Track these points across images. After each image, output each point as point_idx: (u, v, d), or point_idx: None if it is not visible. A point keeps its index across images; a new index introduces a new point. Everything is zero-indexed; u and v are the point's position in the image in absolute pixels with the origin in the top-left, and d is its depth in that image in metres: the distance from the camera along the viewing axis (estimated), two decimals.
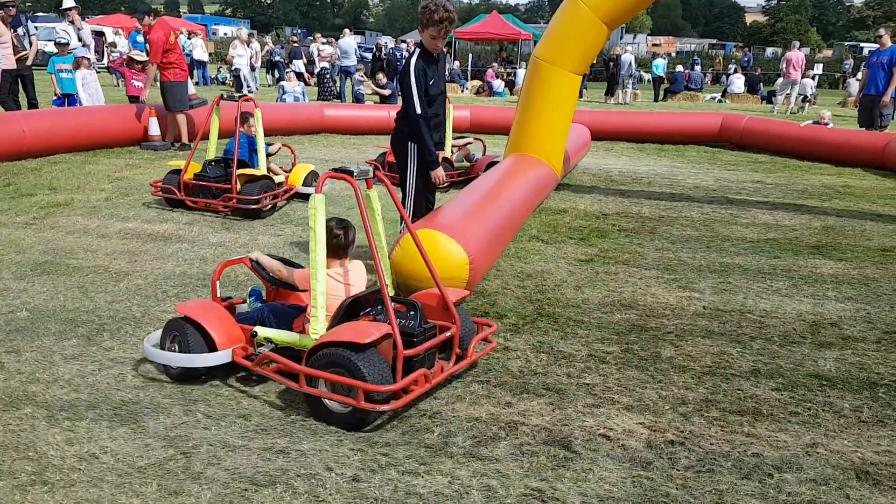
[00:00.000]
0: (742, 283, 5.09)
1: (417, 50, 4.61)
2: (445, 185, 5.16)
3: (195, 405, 3.12)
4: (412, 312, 3.28)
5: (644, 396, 3.37)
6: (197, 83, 24.37)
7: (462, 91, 25.56)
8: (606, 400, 3.33)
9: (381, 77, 16.69)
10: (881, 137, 10.71)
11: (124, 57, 12.53)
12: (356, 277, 3.46)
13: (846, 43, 57.14)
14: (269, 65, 25.08)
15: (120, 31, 31.37)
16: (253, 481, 2.57)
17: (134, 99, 11.42)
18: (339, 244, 3.36)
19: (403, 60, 4.92)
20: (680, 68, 27.84)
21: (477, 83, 26.85)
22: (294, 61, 23.49)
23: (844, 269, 5.48)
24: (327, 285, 3.19)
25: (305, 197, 7.09)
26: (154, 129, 10.16)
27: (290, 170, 7.47)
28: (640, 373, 3.62)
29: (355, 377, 2.86)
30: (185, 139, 10.19)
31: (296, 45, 25.30)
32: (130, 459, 2.70)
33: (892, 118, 11.40)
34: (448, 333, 3.35)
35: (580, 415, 3.18)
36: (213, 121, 7.01)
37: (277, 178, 7.12)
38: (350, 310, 3.24)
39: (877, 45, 11.07)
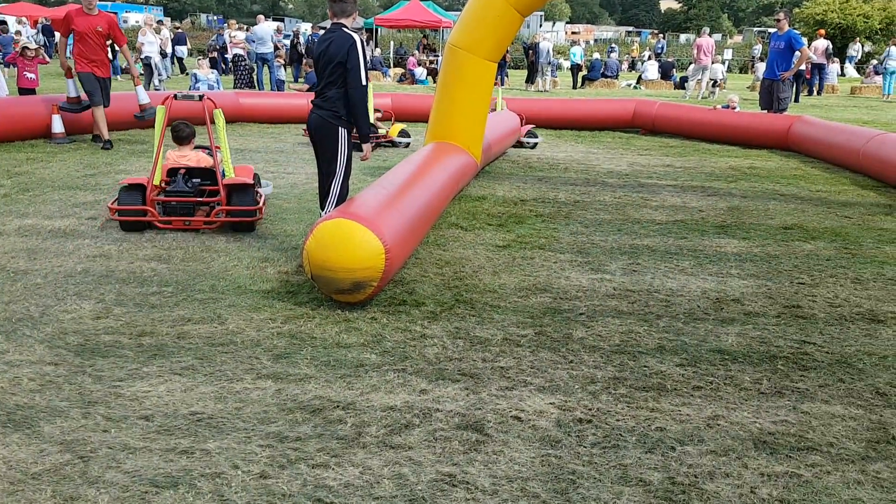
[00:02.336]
0: (650, 263, 5.24)
1: (355, 32, 4.83)
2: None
3: (94, 407, 3.00)
4: (192, 181, 5.87)
5: (555, 377, 3.43)
6: None
7: (384, 79, 25.39)
8: (520, 382, 3.37)
9: (306, 66, 16.41)
10: (785, 120, 11.19)
11: (17, 49, 11.91)
12: (189, 159, 6.05)
13: (755, 28, 59.38)
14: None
15: (24, 19, 29.81)
16: (154, 483, 2.49)
17: (26, 91, 10.86)
18: (178, 136, 6.17)
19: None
20: (597, 56, 28.39)
21: (399, 71, 26.71)
22: (177, 47, 22.86)
23: (748, 248, 5.71)
24: (168, 160, 6.01)
25: (396, 144, 10.60)
26: (58, 126, 9.67)
27: (390, 128, 10.76)
28: (553, 354, 3.69)
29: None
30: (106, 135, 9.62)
31: (179, 30, 24.60)
32: (24, 466, 2.57)
33: (790, 101, 11.98)
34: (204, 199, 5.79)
35: (494, 398, 3.21)
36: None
37: (381, 130, 10.55)
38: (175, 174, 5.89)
39: (775, 30, 11.54)
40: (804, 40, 11.42)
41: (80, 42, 9.09)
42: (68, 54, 9.93)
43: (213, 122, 6.03)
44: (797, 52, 11.02)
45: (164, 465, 2.60)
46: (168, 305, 4.17)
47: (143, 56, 17.20)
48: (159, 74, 16.59)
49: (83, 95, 9.46)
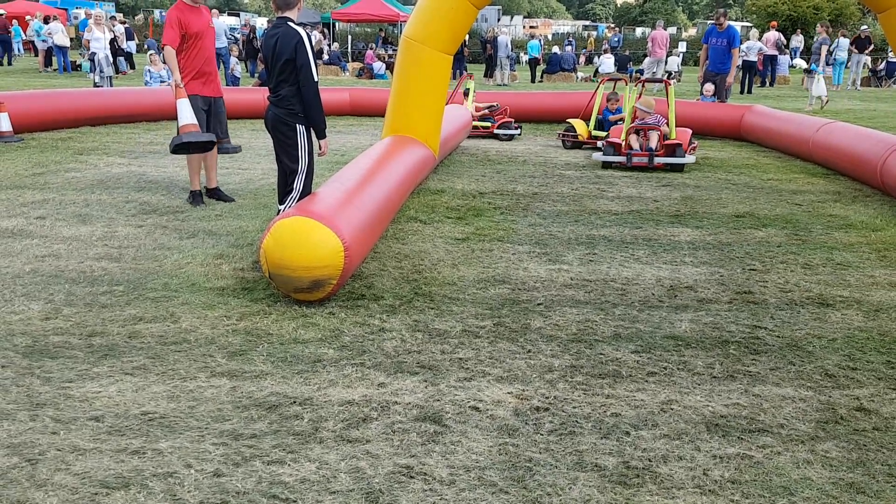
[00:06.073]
0: (607, 253, 5.30)
1: (299, 26, 4.74)
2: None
3: (42, 409, 2.93)
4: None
5: (514, 367, 3.45)
6: (56, 69, 22.87)
7: (343, 73, 25.20)
8: (478, 373, 3.38)
9: (261, 62, 16.17)
10: (738, 110, 11.41)
11: None
12: None
13: (709, 21, 60.31)
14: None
15: None
16: (104, 484, 2.44)
17: None
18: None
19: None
20: (556, 49, 28.54)
21: (358, 65, 26.54)
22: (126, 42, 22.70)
23: (701, 236, 5.81)
24: None
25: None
26: (5, 125, 9.39)
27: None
28: (511, 344, 3.71)
29: None
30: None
31: (126, 26, 24.42)
32: None
33: (731, 92, 12.68)
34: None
35: (452, 389, 3.22)
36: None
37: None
38: None
39: (713, 24, 12.04)
40: (741, 40, 12.00)
41: (190, 51, 6.31)
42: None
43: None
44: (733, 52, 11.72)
45: (115, 466, 2.55)
46: (119, 305, 4.08)
47: (89, 53, 16.79)
48: (101, 71, 16.10)
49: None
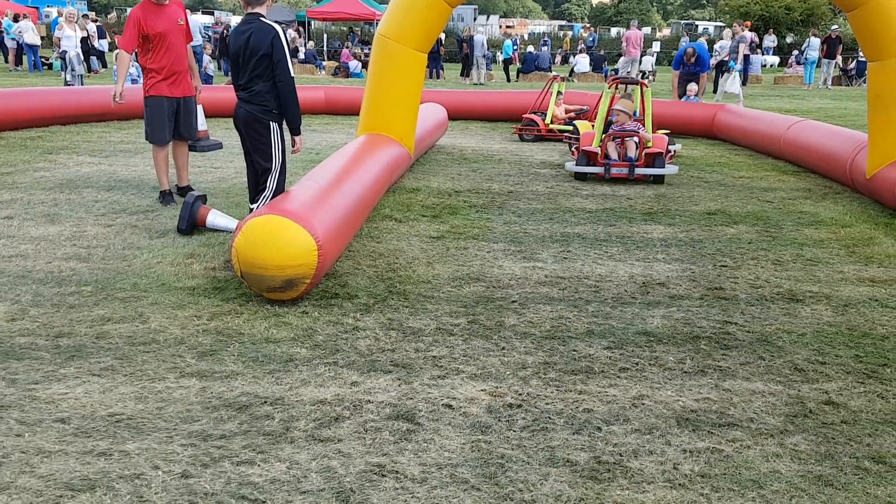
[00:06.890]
0: (581, 250, 5.33)
1: (275, 23, 4.74)
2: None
3: (7, 411, 2.87)
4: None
5: (487, 364, 3.45)
6: (26, 68, 22.51)
7: (319, 72, 25.08)
8: (452, 371, 3.38)
9: None
10: (710, 109, 11.52)
11: None
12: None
13: (683, 22, 60.80)
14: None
15: None
16: (70, 487, 2.40)
17: None
18: None
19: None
20: (531, 49, 28.63)
21: (334, 64, 26.42)
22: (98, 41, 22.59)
23: (673, 233, 5.85)
24: None
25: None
26: None
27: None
28: (485, 342, 3.71)
29: None
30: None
31: (98, 24, 24.30)
32: None
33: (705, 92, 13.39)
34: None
35: (426, 387, 3.21)
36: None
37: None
38: None
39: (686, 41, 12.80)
40: (711, 63, 12.86)
41: (156, 51, 6.00)
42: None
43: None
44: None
45: (81, 468, 2.51)
46: (87, 305, 4.02)
47: (60, 51, 16.55)
48: (72, 70, 15.83)
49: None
